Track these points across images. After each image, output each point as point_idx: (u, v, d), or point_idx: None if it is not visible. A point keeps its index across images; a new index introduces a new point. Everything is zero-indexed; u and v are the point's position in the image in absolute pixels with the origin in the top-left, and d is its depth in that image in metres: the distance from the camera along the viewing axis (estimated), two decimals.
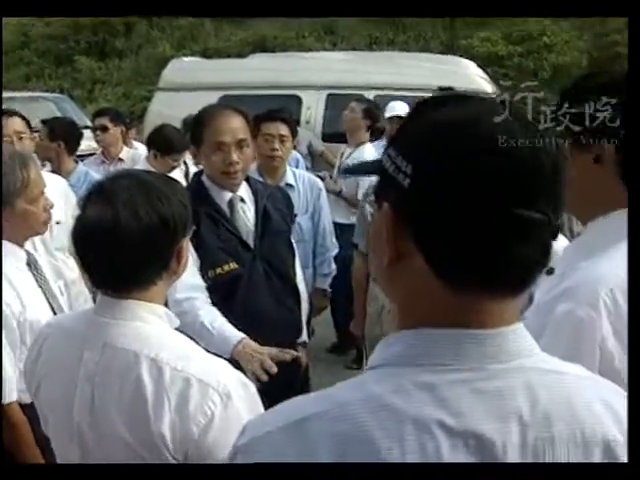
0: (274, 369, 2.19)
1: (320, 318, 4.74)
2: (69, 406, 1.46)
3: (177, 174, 4.36)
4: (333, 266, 3.89)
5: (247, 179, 2.67)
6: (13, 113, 3.31)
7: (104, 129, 5.06)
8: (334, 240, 3.94)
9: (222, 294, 2.48)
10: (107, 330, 1.44)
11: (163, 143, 4.24)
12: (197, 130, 2.57)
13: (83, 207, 1.44)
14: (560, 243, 1.91)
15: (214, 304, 2.45)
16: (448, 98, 0.81)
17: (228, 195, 2.58)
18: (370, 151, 4.70)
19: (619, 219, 1.25)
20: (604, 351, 1.14)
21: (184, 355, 1.42)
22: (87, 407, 1.44)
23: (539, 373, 0.79)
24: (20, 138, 3.15)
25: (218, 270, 2.48)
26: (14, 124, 3.18)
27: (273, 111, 3.90)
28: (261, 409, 1.43)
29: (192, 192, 2.54)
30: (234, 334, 2.32)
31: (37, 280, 2.19)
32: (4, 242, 2.11)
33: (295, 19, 15.24)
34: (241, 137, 2.51)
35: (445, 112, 0.78)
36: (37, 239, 2.86)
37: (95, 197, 1.43)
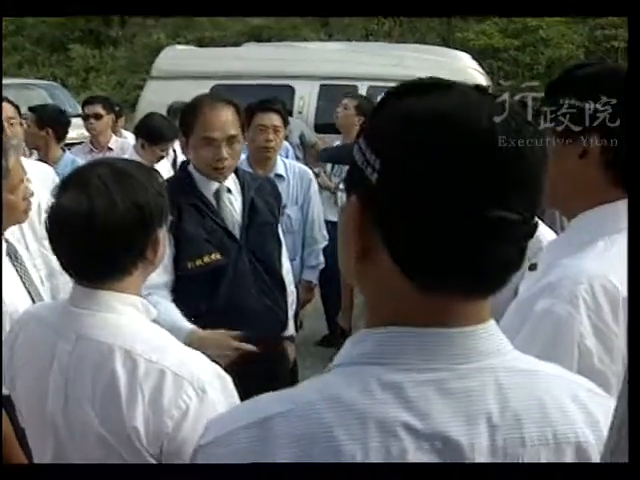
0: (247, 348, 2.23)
1: (310, 310, 4.72)
2: (43, 398, 1.44)
3: (164, 163, 4.32)
4: (321, 258, 3.86)
5: (235, 170, 2.63)
6: (3, 99, 3.27)
7: (98, 117, 4.98)
8: (324, 232, 3.91)
9: (205, 285, 2.45)
10: (81, 321, 1.42)
11: (151, 132, 4.18)
12: (187, 121, 2.53)
13: (57, 195, 1.41)
14: (548, 238, 1.89)
15: (196, 295, 2.42)
16: (422, 86, 0.76)
17: (215, 185, 2.54)
18: None
19: (602, 215, 1.23)
20: (582, 350, 1.12)
21: (159, 347, 1.40)
22: (60, 399, 1.42)
23: (510, 372, 0.76)
24: (11, 124, 3.10)
25: (198, 261, 2.44)
26: (5, 110, 3.13)
27: (266, 102, 3.88)
28: (238, 403, 1.41)
29: (178, 181, 2.53)
30: (185, 325, 2.28)
31: (17, 270, 2.15)
32: None
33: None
34: (232, 133, 2.47)
35: (417, 103, 0.73)
36: (26, 228, 2.83)
37: (70, 185, 1.41)
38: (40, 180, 3.11)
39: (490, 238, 0.71)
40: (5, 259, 2.13)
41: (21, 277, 2.16)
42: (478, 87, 0.77)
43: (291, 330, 2.81)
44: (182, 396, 1.33)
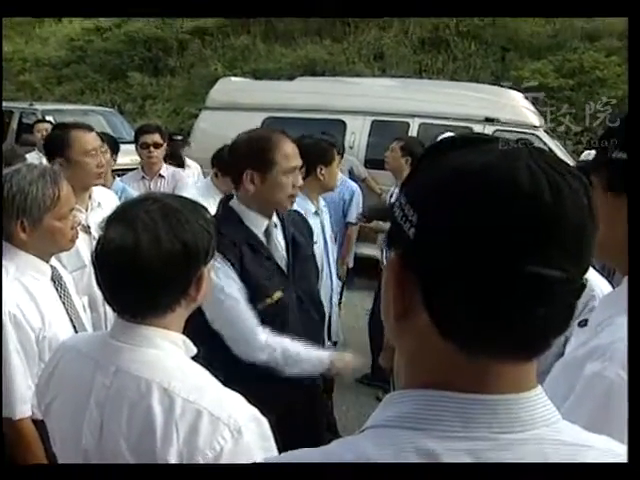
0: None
1: (356, 348, 4.70)
2: (78, 429, 1.44)
3: None
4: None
5: None
6: (90, 129, 3.24)
7: (157, 145, 4.98)
8: None
9: (271, 323, 2.44)
10: (120, 355, 1.42)
11: (225, 163, 4.19)
12: (267, 157, 2.44)
13: (105, 229, 1.42)
14: (604, 290, 1.81)
15: None
16: (462, 141, 0.74)
17: (265, 222, 2.52)
18: None
19: None
20: None
21: (197, 386, 1.38)
22: (95, 431, 1.42)
23: (557, 445, 0.71)
24: (102, 152, 3.17)
25: (268, 300, 2.43)
26: (95, 139, 3.16)
27: (334, 142, 4.08)
28: (273, 447, 1.39)
29: (224, 219, 2.47)
30: (322, 354, 2.45)
31: (60, 296, 2.17)
32: (28, 256, 2.11)
33: (345, 44, 15.34)
34: (300, 163, 2.52)
35: (455, 158, 0.71)
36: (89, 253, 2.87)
37: (117, 219, 1.42)
38: (110, 204, 3.19)
39: (531, 297, 0.67)
40: (49, 284, 2.16)
41: (64, 303, 2.18)
42: (520, 141, 0.74)
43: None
44: (217, 437, 1.32)
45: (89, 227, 2.94)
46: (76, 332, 2.16)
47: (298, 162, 2.49)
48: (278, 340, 2.37)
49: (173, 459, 1.32)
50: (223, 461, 1.31)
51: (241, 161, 2.50)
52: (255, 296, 2.41)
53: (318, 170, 3.60)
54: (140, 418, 1.36)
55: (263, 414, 1.41)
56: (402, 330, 0.75)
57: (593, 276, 1.94)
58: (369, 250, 5.25)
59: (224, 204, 2.58)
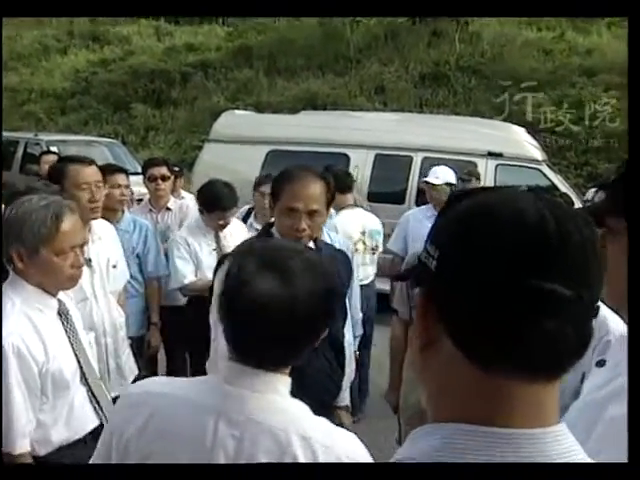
0: None
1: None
2: None
3: (238, 224, 4.37)
4: (361, 329, 3.93)
5: (314, 239, 2.68)
6: (91, 162, 3.24)
7: (164, 178, 4.96)
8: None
9: None
10: (247, 403, 1.34)
11: (208, 200, 4.10)
12: (276, 189, 2.62)
13: (248, 276, 1.31)
14: (622, 331, 1.82)
15: None
16: (477, 190, 0.84)
17: None
18: (343, 218, 4.95)
19: None
20: None
21: (326, 430, 1.37)
22: None
23: None
24: (98, 187, 3.16)
25: None
26: (94, 173, 3.14)
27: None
28: None
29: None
30: None
31: (66, 331, 2.16)
32: (34, 288, 2.10)
33: (346, 78, 15.53)
34: (314, 208, 2.52)
35: (469, 201, 0.80)
36: (97, 282, 2.99)
37: (265, 270, 1.32)
38: (110, 238, 3.23)
39: (540, 311, 0.72)
40: (55, 318, 2.15)
41: (69, 338, 2.16)
42: (530, 188, 0.82)
43: (346, 400, 2.82)
44: None
45: (90, 260, 2.96)
46: (80, 367, 2.15)
47: (303, 205, 2.50)
48: None
49: None
50: None
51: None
52: None
53: None
54: None
55: None
56: (427, 362, 0.81)
57: (607, 312, 1.95)
58: None
59: (267, 230, 2.71)
